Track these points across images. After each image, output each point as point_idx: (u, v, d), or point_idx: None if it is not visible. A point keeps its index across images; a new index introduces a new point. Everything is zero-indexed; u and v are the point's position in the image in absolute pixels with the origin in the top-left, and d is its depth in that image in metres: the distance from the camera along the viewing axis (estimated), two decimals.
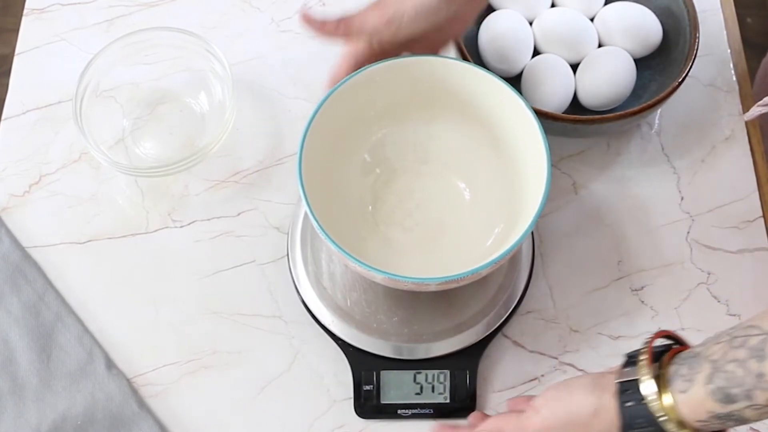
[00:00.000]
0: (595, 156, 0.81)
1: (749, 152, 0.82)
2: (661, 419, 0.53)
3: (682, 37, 0.78)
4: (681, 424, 0.52)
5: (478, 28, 0.80)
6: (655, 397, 0.53)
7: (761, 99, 0.76)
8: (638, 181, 0.80)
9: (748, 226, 0.78)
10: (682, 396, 0.52)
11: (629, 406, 0.54)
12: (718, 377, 0.51)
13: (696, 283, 0.76)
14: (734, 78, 0.85)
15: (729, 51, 0.86)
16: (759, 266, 0.76)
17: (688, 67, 0.75)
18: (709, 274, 0.76)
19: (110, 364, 0.71)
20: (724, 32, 0.87)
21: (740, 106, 0.83)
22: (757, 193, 0.79)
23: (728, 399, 0.50)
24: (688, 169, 0.81)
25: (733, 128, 0.83)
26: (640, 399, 0.54)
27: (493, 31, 0.79)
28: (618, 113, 0.74)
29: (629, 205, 0.79)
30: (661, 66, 0.80)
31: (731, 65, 0.86)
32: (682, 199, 0.79)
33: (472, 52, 0.76)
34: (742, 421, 0.51)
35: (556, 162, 0.80)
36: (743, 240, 0.77)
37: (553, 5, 0.82)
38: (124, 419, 0.69)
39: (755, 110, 0.73)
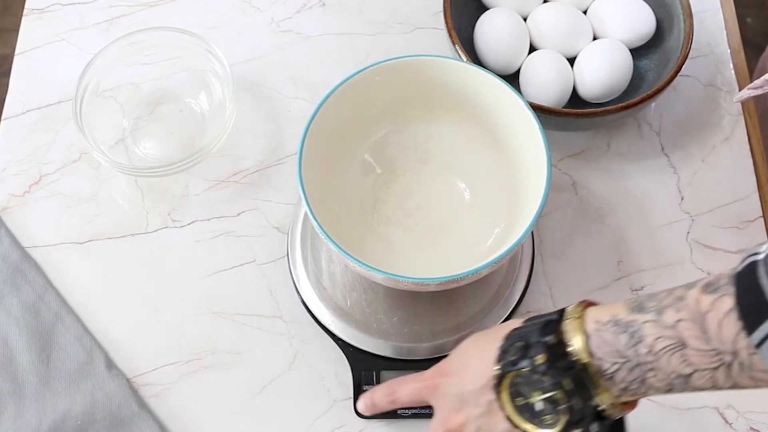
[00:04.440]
0: (595, 156, 0.81)
1: (749, 152, 0.82)
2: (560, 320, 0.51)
3: (676, 25, 0.79)
4: (579, 324, 0.50)
5: (474, 28, 0.80)
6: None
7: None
8: (638, 181, 0.80)
9: (748, 226, 0.78)
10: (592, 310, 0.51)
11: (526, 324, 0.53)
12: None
13: None
14: (734, 78, 0.85)
15: (729, 51, 0.86)
16: None
17: (685, 54, 0.76)
18: (709, 274, 0.75)
19: (110, 364, 0.71)
20: (724, 32, 0.87)
21: (740, 106, 0.83)
22: (757, 193, 0.79)
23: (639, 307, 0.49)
24: (688, 169, 0.81)
25: (733, 128, 0.83)
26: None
27: (488, 30, 0.79)
28: (618, 105, 0.74)
29: (629, 205, 0.79)
30: (657, 55, 0.80)
31: (731, 65, 0.86)
32: (682, 199, 0.79)
33: (469, 52, 0.76)
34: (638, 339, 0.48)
35: (556, 162, 0.80)
36: (743, 240, 0.77)
37: (545, 1, 0.83)
38: (124, 419, 0.69)
39: (745, 93, 0.72)
